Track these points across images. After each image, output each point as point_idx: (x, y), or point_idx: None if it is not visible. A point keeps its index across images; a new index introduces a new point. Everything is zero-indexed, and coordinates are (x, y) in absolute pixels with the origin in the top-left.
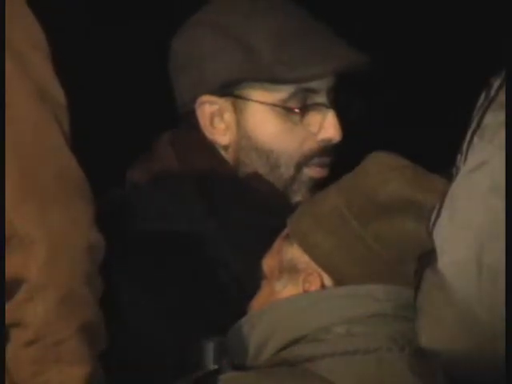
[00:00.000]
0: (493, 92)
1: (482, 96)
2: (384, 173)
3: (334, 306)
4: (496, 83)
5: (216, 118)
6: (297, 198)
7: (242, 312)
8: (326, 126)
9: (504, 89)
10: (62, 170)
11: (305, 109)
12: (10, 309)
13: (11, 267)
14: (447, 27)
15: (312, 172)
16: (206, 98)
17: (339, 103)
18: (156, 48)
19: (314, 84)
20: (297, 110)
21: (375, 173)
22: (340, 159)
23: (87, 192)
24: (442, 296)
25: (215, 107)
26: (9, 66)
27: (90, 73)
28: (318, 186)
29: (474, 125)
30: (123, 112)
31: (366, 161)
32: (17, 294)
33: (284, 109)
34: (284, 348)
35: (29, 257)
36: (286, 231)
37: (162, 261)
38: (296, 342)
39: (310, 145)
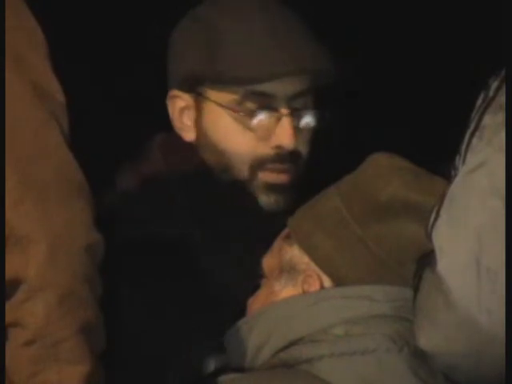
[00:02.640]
0: (491, 93)
1: (481, 97)
2: (384, 174)
3: (333, 306)
4: (494, 84)
5: (185, 114)
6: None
7: (235, 313)
8: (278, 133)
9: (502, 90)
10: (61, 170)
11: (255, 113)
12: (9, 309)
13: (10, 267)
14: (446, 28)
15: (267, 177)
16: (175, 92)
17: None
18: (155, 47)
19: (269, 88)
20: (242, 114)
21: (376, 174)
22: (340, 160)
23: (87, 191)
24: (441, 298)
25: (184, 103)
26: (7, 65)
27: (89, 72)
28: (278, 190)
29: (472, 126)
30: (122, 111)
31: (366, 162)
32: (15, 294)
33: (234, 111)
34: (282, 349)
35: (28, 257)
36: (286, 231)
37: (148, 264)
38: (294, 343)
39: (263, 150)
